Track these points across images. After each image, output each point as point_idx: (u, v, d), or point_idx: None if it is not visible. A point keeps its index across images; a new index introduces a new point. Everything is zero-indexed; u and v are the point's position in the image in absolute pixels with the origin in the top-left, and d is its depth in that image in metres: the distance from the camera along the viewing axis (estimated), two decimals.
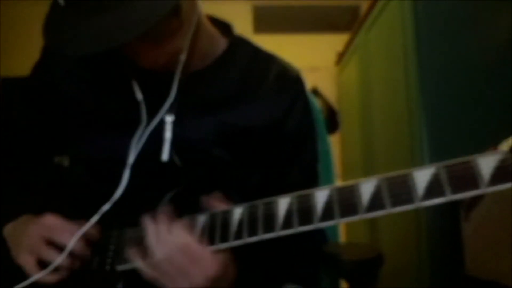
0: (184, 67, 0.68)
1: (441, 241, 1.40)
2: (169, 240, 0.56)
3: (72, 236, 0.64)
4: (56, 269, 0.64)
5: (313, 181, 0.79)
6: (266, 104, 0.74)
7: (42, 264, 0.64)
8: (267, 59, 0.79)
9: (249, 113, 0.73)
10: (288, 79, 0.77)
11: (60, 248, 0.64)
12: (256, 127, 0.73)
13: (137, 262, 0.58)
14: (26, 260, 0.65)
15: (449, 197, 0.46)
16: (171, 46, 0.65)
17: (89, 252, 0.66)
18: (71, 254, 0.64)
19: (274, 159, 0.75)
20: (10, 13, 3.20)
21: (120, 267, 0.64)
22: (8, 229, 0.70)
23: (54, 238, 0.64)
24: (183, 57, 0.67)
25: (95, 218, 0.64)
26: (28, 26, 3.12)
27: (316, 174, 0.80)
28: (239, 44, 0.78)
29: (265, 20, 3.54)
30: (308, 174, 0.79)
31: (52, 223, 0.66)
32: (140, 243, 0.63)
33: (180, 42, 0.65)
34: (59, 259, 0.63)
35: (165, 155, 0.69)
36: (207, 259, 0.56)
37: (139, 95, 0.70)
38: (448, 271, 1.33)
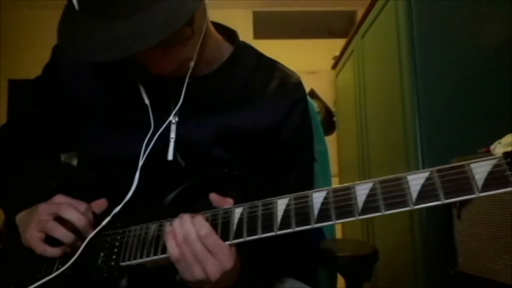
0: (191, 72, 0.68)
1: (435, 239, 1.39)
2: (191, 228, 0.56)
3: (78, 212, 0.64)
4: (60, 244, 0.64)
5: (310, 182, 0.79)
6: (267, 108, 0.74)
7: (49, 240, 0.64)
8: (270, 65, 0.79)
9: (250, 116, 0.73)
10: (289, 85, 0.77)
11: (66, 223, 0.64)
12: (256, 130, 0.73)
13: (169, 241, 0.57)
14: (32, 235, 0.65)
15: (442, 201, 0.46)
16: (182, 53, 0.64)
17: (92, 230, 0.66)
18: (75, 232, 0.64)
19: (273, 161, 0.75)
20: (15, 19, 3.27)
21: (124, 263, 0.64)
22: (20, 216, 0.70)
23: (60, 213, 0.64)
24: (192, 64, 0.67)
25: (106, 220, 0.65)
26: (31, 31, 3.20)
27: (312, 175, 0.80)
28: (243, 50, 0.78)
29: (265, 26, 3.55)
30: (305, 175, 0.78)
31: (60, 201, 0.66)
32: (145, 241, 0.63)
33: (190, 50, 0.65)
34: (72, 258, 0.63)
35: (170, 155, 0.70)
36: (225, 252, 0.55)
37: (146, 99, 0.70)
38: (441, 268, 1.33)
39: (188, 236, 0.55)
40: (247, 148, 0.73)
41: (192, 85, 0.70)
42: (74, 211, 0.64)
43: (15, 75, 3.04)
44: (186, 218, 0.57)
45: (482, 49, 1.50)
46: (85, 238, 0.64)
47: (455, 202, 1.19)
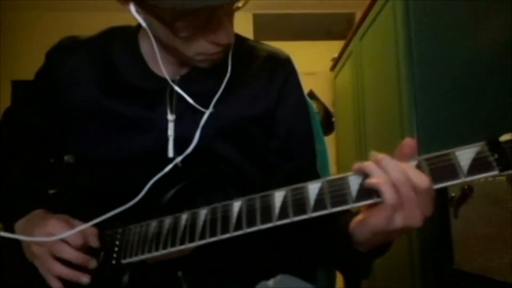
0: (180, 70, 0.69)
1: (431, 236, 1.39)
2: (394, 164, 0.50)
3: (71, 248, 0.62)
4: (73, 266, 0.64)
5: (313, 154, 0.79)
6: (260, 90, 0.74)
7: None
8: (254, 46, 0.79)
9: (246, 102, 0.73)
10: (278, 61, 0.77)
11: (65, 262, 0.63)
12: (254, 115, 0.73)
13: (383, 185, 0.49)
14: (48, 270, 0.64)
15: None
16: (233, 27, 0.66)
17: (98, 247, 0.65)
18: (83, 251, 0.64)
19: (268, 146, 0.75)
20: (18, 20, 3.31)
21: (125, 261, 0.63)
22: (20, 225, 0.69)
23: (57, 255, 0.63)
24: (230, 52, 0.69)
25: (107, 215, 0.63)
26: (33, 32, 3.23)
27: (313, 145, 0.79)
28: None
29: (265, 28, 3.55)
30: (307, 144, 0.78)
31: (54, 232, 0.63)
32: (145, 238, 0.63)
33: (233, 28, 0.66)
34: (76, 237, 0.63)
35: (170, 152, 0.69)
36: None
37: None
38: (438, 266, 1.33)
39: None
40: (248, 138, 0.73)
41: (184, 81, 0.70)
42: (69, 249, 0.62)
43: (18, 76, 3.05)
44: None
45: (480, 49, 1.50)
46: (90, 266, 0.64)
47: (452, 200, 1.19)
